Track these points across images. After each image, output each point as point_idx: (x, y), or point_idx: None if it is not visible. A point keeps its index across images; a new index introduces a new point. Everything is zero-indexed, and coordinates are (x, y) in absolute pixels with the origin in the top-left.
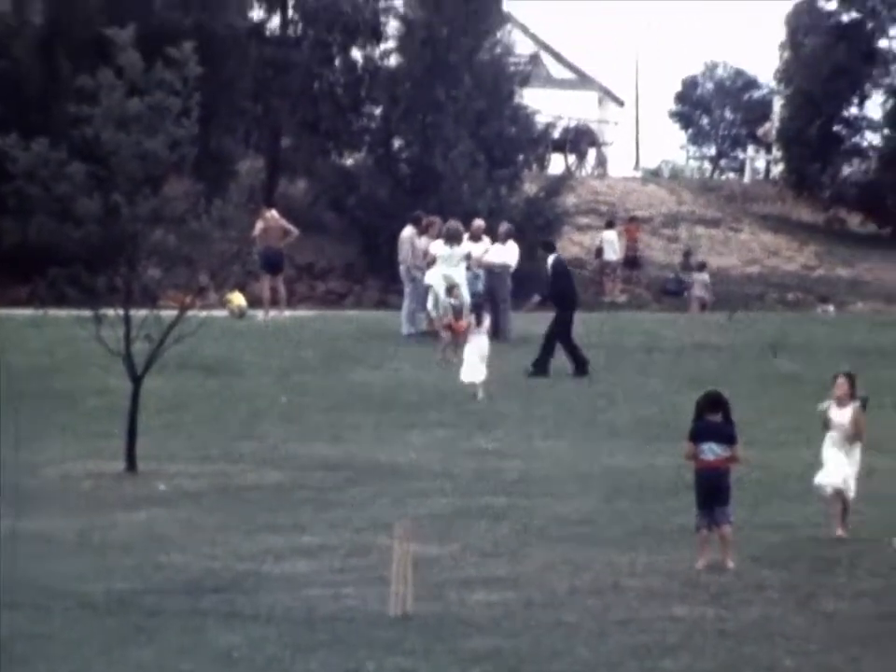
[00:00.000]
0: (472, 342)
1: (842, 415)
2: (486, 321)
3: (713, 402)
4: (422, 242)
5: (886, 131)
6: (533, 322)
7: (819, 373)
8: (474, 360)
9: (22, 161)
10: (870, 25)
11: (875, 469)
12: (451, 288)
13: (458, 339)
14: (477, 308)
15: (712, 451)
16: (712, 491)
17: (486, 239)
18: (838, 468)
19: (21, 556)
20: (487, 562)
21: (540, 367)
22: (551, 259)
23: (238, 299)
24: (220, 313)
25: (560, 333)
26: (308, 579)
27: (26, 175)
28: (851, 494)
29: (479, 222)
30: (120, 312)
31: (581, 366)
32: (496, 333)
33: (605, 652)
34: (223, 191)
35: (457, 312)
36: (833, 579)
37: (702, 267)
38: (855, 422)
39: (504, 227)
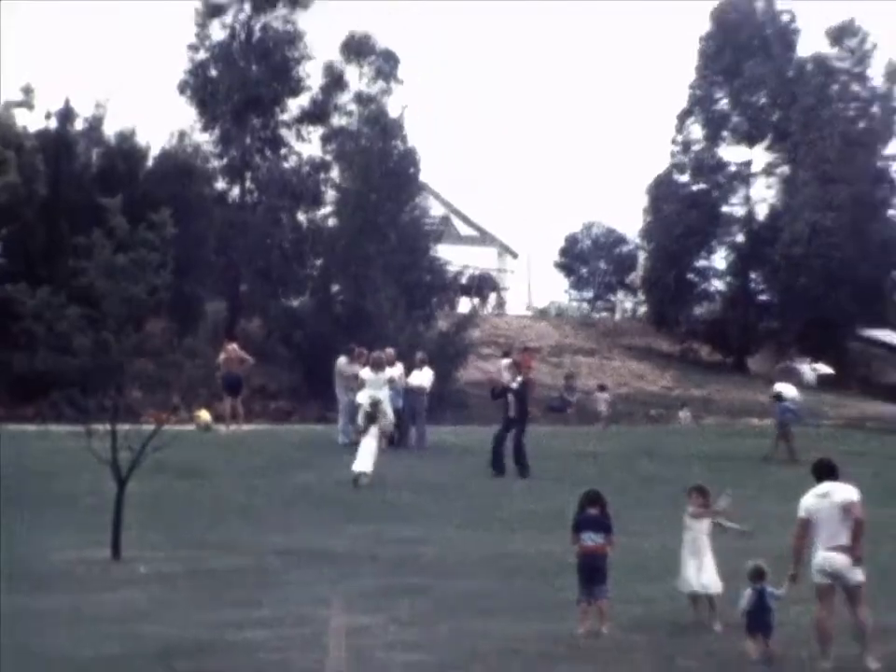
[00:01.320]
0: (365, 441)
1: (699, 525)
2: (374, 428)
3: (592, 498)
4: (353, 368)
5: (728, 278)
6: (442, 434)
7: (676, 474)
8: (365, 454)
9: (29, 305)
10: (715, 194)
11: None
12: (374, 405)
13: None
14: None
15: (591, 538)
16: (592, 571)
17: (399, 364)
18: (698, 572)
19: (25, 627)
20: (407, 630)
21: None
22: (515, 385)
23: (204, 415)
24: (189, 427)
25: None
26: (262, 645)
27: (33, 317)
28: (715, 591)
29: (389, 350)
30: (108, 427)
31: (502, 469)
32: (414, 443)
33: None
34: (193, 328)
35: (372, 420)
36: (686, 640)
37: (603, 388)
38: (709, 532)
39: (419, 355)
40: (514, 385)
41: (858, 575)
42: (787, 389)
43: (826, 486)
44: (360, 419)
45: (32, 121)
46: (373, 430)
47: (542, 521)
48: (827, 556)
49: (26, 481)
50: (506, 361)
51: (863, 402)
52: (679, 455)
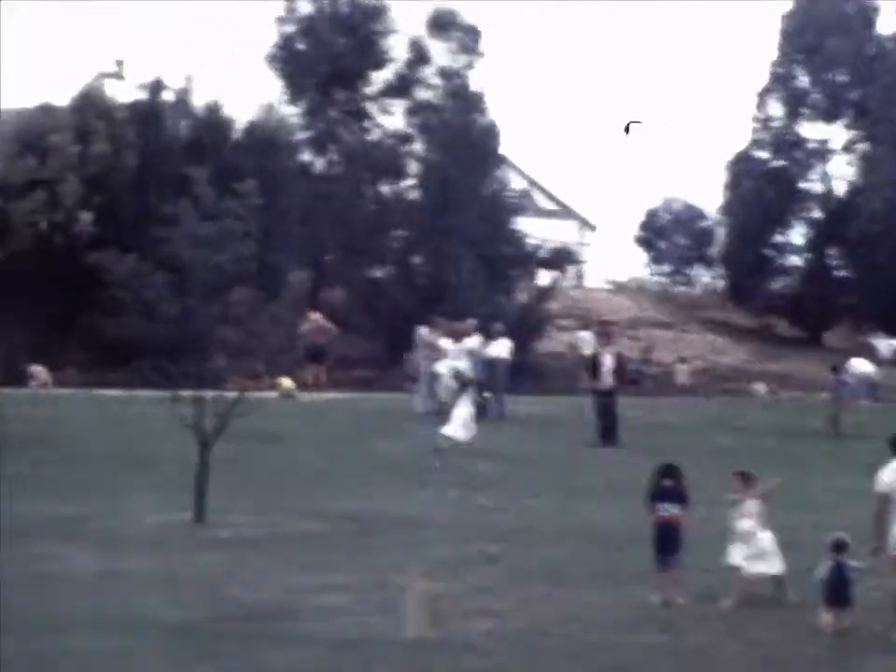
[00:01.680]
0: (459, 408)
1: (745, 508)
2: (467, 395)
3: (668, 471)
4: (434, 338)
5: (806, 254)
6: (520, 404)
7: (751, 446)
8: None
9: (118, 272)
10: (794, 171)
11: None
12: (459, 374)
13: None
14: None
15: (667, 509)
16: (667, 541)
17: (478, 335)
18: (745, 557)
19: (113, 589)
20: (483, 597)
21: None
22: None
23: (287, 383)
24: (272, 394)
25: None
26: (340, 609)
27: (120, 284)
28: (775, 571)
29: (470, 321)
30: (193, 393)
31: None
32: (493, 413)
33: (582, 670)
34: (276, 298)
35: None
36: (760, 612)
37: (683, 360)
38: (759, 513)
39: (496, 326)
40: (609, 357)
41: None
42: (862, 364)
43: None
44: (441, 390)
45: (123, 93)
46: (466, 397)
47: (619, 491)
48: None
49: (112, 445)
50: (584, 333)
51: None
52: (754, 429)
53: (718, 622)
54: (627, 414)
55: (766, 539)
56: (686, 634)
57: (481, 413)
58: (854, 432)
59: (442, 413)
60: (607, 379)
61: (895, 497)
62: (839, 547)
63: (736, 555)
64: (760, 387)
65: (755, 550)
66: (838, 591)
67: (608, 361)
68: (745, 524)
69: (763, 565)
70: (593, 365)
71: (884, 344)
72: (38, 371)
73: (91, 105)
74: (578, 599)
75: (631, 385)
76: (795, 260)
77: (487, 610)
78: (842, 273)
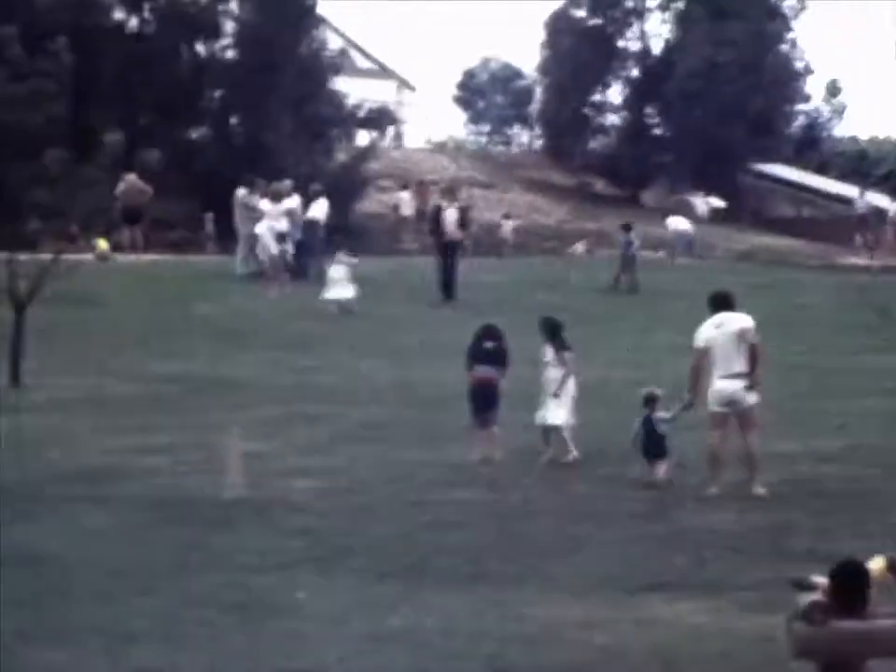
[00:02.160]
0: (333, 273)
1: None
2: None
3: (488, 332)
4: (253, 200)
5: (623, 113)
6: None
7: (571, 305)
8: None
9: None
10: (611, 29)
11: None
12: (281, 237)
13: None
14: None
15: (485, 370)
16: (483, 400)
17: (297, 196)
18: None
19: None
20: (304, 457)
21: None
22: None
23: (103, 244)
24: (88, 256)
25: None
26: (160, 470)
27: None
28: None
29: (287, 182)
30: (5, 256)
31: None
32: (305, 275)
33: (401, 528)
34: (91, 159)
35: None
36: (580, 466)
37: (508, 217)
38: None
39: (314, 187)
40: (453, 210)
41: (751, 399)
42: (679, 222)
43: (722, 316)
44: (259, 251)
45: None
46: (339, 260)
47: (440, 351)
48: (724, 384)
49: None
50: (403, 194)
51: (755, 235)
52: (575, 287)
53: (537, 478)
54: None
55: (566, 395)
56: (505, 490)
57: (300, 274)
58: (666, 289)
59: (262, 275)
60: (452, 231)
61: (712, 354)
62: (648, 401)
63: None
64: (580, 245)
65: (551, 403)
66: (650, 444)
67: (452, 215)
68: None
69: (552, 416)
70: (436, 219)
71: (700, 202)
72: None
73: None
74: (398, 458)
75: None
76: (613, 119)
77: (308, 470)
78: (659, 132)
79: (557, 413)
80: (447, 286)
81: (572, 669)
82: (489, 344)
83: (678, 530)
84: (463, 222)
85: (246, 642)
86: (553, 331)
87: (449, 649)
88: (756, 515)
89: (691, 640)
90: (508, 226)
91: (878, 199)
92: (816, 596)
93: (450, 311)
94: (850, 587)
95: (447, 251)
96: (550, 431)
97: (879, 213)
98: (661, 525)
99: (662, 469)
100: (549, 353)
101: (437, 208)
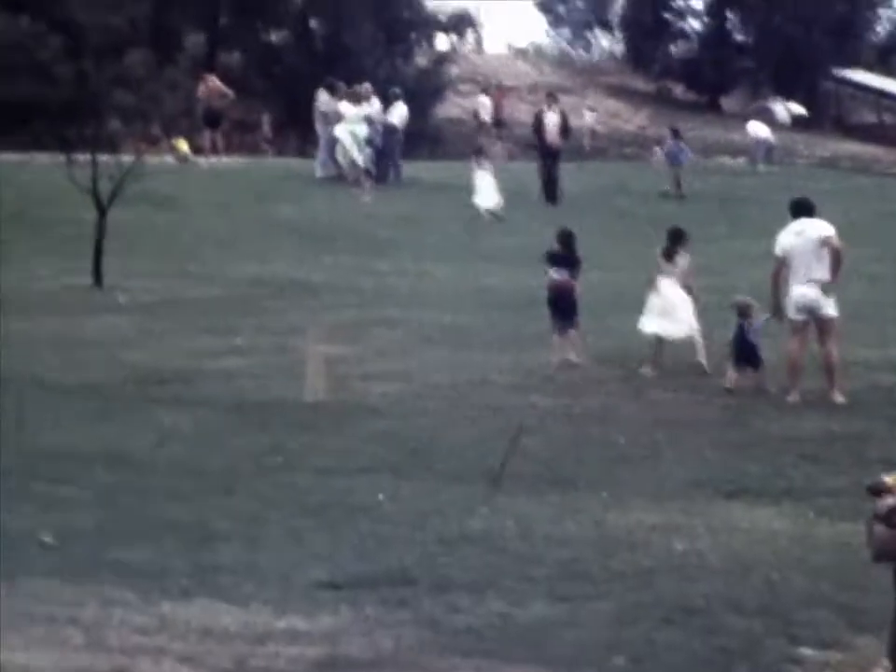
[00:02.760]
0: (480, 175)
1: (671, 266)
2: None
3: (561, 236)
4: (333, 103)
5: (705, 18)
6: (419, 170)
7: (650, 212)
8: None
9: (10, 34)
10: None
11: None
12: (365, 141)
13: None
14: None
15: (560, 273)
16: (559, 305)
17: (376, 100)
18: (662, 317)
19: (11, 352)
20: (383, 361)
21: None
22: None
23: (183, 146)
24: (169, 158)
25: None
26: (240, 372)
27: (13, 46)
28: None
29: (367, 85)
30: (89, 156)
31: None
32: (385, 179)
33: (477, 433)
34: (173, 61)
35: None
36: (663, 376)
37: (592, 109)
38: (685, 273)
39: (393, 91)
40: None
41: (830, 308)
42: (758, 128)
43: (802, 223)
44: (339, 154)
45: None
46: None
47: (518, 256)
48: (803, 290)
49: (10, 210)
50: (483, 99)
51: (836, 142)
52: (653, 193)
53: (616, 384)
54: (529, 178)
55: (681, 304)
56: (583, 396)
57: (380, 178)
58: (746, 196)
59: (343, 179)
60: (553, 137)
61: (791, 261)
62: (742, 310)
63: (650, 323)
64: (657, 151)
65: (669, 311)
66: (742, 352)
67: (553, 121)
68: (669, 285)
69: (673, 328)
70: (538, 125)
71: (780, 108)
72: None
73: None
74: (477, 362)
75: (532, 148)
76: (694, 24)
77: (387, 374)
78: (740, 37)
79: (678, 326)
80: (550, 189)
81: (650, 575)
82: (560, 248)
83: (757, 437)
84: (564, 128)
85: (326, 544)
86: (676, 241)
87: (526, 553)
88: (834, 423)
89: (769, 546)
90: (590, 117)
91: None
92: (894, 500)
93: (526, 219)
94: None
95: (549, 156)
96: (663, 342)
97: None
98: (740, 432)
99: (753, 377)
100: (664, 261)
101: (539, 114)
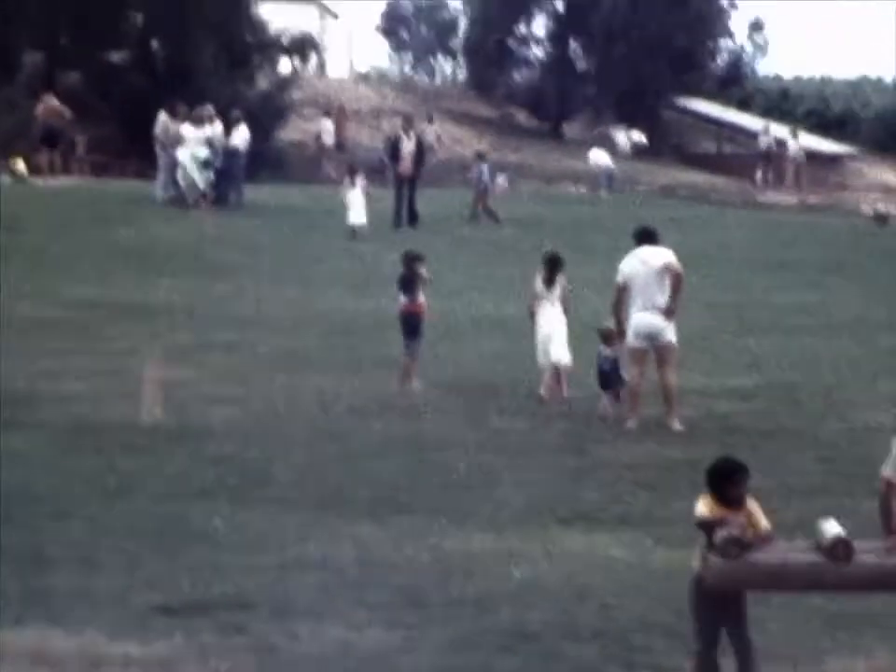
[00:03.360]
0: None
1: (551, 293)
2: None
3: (409, 259)
4: (174, 125)
5: (547, 45)
6: (260, 192)
7: (489, 237)
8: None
9: None
10: None
11: None
12: (205, 164)
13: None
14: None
15: (407, 298)
16: (406, 331)
17: (218, 122)
18: (557, 345)
19: None
20: (221, 384)
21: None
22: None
23: (20, 165)
24: (5, 178)
25: None
26: (76, 396)
27: None
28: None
29: (209, 108)
30: None
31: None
32: (225, 201)
33: (313, 457)
34: (10, 79)
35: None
36: (498, 401)
37: (431, 121)
38: (564, 297)
39: (234, 113)
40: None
41: (670, 334)
42: (601, 156)
43: (645, 250)
44: (179, 176)
45: None
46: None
47: (358, 279)
48: (645, 317)
49: None
50: (326, 122)
51: (676, 171)
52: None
53: (455, 411)
54: (376, 206)
55: (560, 330)
56: (424, 422)
57: (221, 201)
58: (588, 223)
59: (183, 201)
60: (408, 166)
61: (633, 288)
62: (604, 336)
63: (552, 352)
64: (500, 179)
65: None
66: (602, 379)
67: (408, 147)
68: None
69: (556, 354)
70: (395, 150)
71: (621, 136)
72: None
73: None
74: (318, 386)
75: (375, 173)
76: (537, 52)
77: (225, 397)
78: (582, 65)
79: (563, 351)
80: (410, 212)
81: (488, 601)
82: (408, 273)
83: (595, 463)
84: (420, 155)
85: (162, 569)
86: (554, 267)
87: (363, 579)
88: (672, 450)
89: (605, 573)
90: (431, 131)
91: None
92: (730, 532)
93: (368, 241)
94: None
95: (405, 181)
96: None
97: (781, 149)
98: (578, 458)
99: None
100: (545, 288)
101: (395, 140)
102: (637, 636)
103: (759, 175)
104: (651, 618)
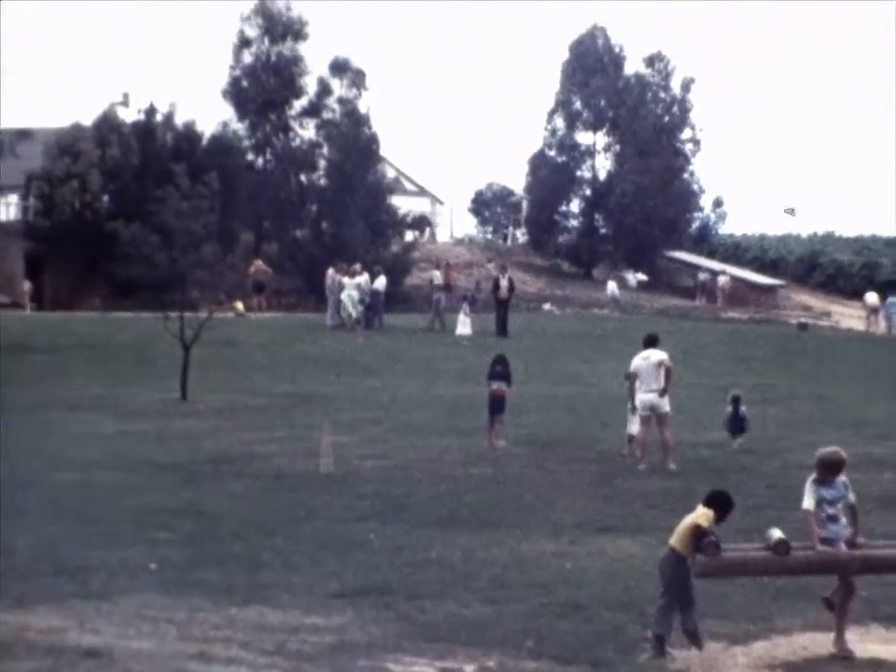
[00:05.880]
0: (461, 319)
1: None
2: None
3: (499, 359)
4: (337, 276)
5: (581, 218)
6: (395, 319)
7: (550, 347)
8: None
9: (126, 234)
10: (572, 164)
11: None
12: (359, 301)
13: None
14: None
15: (496, 385)
16: (495, 406)
17: (366, 274)
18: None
19: (126, 443)
20: (371, 445)
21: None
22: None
23: (239, 306)
24: (229, 314)
25: None
26: (277, 454)
27: (128, 243)
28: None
29: (358, 265)
30: (178, 314)
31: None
32: (371, 326)
33: (439, 493)
34: (232, 251)
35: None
36: (558, 452)
37: (504, 268)
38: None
39: (376, 268)
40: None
41: (665, 406)
42: (613, 288)
43: (648, 351)
44: (342, 310)
45: (128, 114)
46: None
47: (465, 374)
48: (646, 396)
49: (126, 350)
50: (436, 272)
51: (667, 298)
52: (551, 332)
53: (527, 458)
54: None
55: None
56: (506, 467)
57: (368, 326)
58: (610, 334)
59: (344, 326)
60: (504, 293)
61: (640, 375)
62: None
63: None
64: (548, 306)
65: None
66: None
67: (504, 282)
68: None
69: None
70: (496, 284)
71: (630, 276)
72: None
73: (107, 122)
74: (434, 446)
75: (472, 304)
76: (574, 222)
77: (374, 454)
78: (604, 230)
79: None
80: (502, 326)
81: (550, 584)
82: (499, 367)
83: (619, 492)
84: (511, 287)
85: (336, 568)
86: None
87: (468, 571)
88: (669, 483)
89: (627, 564)
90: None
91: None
92: (713, 538)
93: (467, 349)
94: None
95: (501, 305)
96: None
97: (713, 281)
98: (607, 488)
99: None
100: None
101: (496, 279)
102: (650, 606)
103: (698, 300)
104: (657, 593)
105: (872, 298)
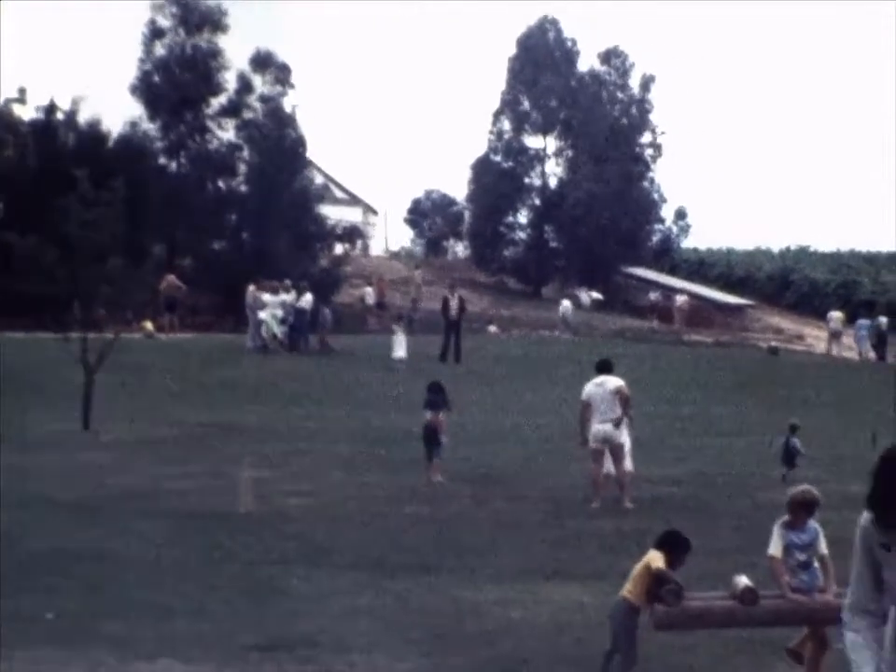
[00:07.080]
0: (396, 341)
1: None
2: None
3: (433, 386)
4: (258, 294)
5: (529, 230)
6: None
7: (512, 371)
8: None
9: (22, 246)
10: (519, 170)
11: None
12: (282, 321)
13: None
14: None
15: (430, 414)
16: (430, 438)
17: (292, 291)
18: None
19: (19, 477)
20: (296, 481)
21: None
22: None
23: (148, 326)
24: (137, 335)
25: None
26: (190, 491)
27: (23, 255)
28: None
29: (286, 281)
30: (80, 334)
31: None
32: (297, 348)
33: (367, 533)
34: (141, 264)
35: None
36: (502, 489)
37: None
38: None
39: (302, 284)
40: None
41: (620, 437)
42: (566, 308)
43: (602, 378)
44: (263, 331)
45: (25, 112)
46: (401, 325)
47: (402, 402)
48: (600, 427)
49: (20, 375)
50: (368, 289)
51: (625, 319)
52: (496, 356)
53: (467, 497)
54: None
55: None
56: (443, 506)
57: (293, 347)
58: (559, 357)
59: (266, 349)
60: (455, 314)
61: (593, 404)
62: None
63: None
64: (493, 328)
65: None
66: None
67: (454, 302)
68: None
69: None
70: (445, 305)
71: (584, 295)
72: None
73: (0, 121)
74: (365, 482)
75: (409, 325)
76: (521, 235)
77: (299, 491)
78: (554, 244)
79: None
80: (455, 352)
81: (493, 635)
82: (434, 395)
83: (569, 533)
84: (462, 308)
85: (255, 616)
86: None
87: (402, 621)
88: (625, 523)
89: (578, 614)
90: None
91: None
92: (673, 586)
93: (403, 374)
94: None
95: (452, 327)
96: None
97: (669, 300)
98: (557, 529)
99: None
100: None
101: (445, 298)
102: (603, 660)
103: (654, 322)
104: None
105: (835, 319)
